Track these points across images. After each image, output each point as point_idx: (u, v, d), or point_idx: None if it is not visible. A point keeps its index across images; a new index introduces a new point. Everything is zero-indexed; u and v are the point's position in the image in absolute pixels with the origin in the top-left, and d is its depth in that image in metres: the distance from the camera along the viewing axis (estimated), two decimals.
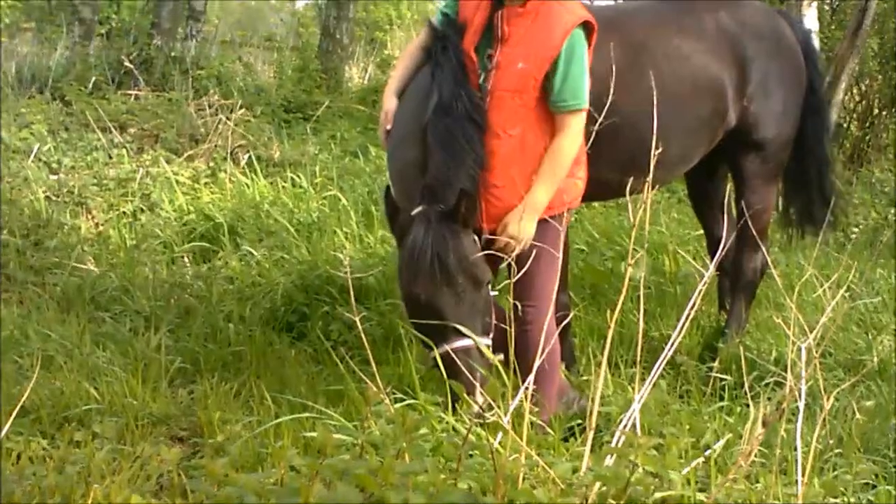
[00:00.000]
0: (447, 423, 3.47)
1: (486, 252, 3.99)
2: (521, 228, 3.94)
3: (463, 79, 3.99)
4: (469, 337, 3.89)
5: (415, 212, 3.99)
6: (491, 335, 4.00)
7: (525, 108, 3.96)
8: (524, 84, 3.93)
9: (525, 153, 3.98)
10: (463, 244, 3.92)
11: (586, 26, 3.99)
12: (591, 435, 2.76)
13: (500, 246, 3.96)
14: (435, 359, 3.87)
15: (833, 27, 12.73)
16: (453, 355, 3.86)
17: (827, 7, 13.37)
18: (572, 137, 3.98)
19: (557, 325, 4.16)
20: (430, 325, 3.94)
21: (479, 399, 3.64)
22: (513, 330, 3.51)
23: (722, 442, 3.67)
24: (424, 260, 3.92)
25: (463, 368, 3.84)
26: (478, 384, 3.74)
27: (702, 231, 6.24)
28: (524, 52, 3.92)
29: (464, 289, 3.92)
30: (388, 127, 4.23)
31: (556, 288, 3.80)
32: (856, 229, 8.54)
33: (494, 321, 4.05)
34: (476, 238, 4.04)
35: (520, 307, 3.91)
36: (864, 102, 12.12)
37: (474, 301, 3.96)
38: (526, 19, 3.92)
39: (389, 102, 4.25)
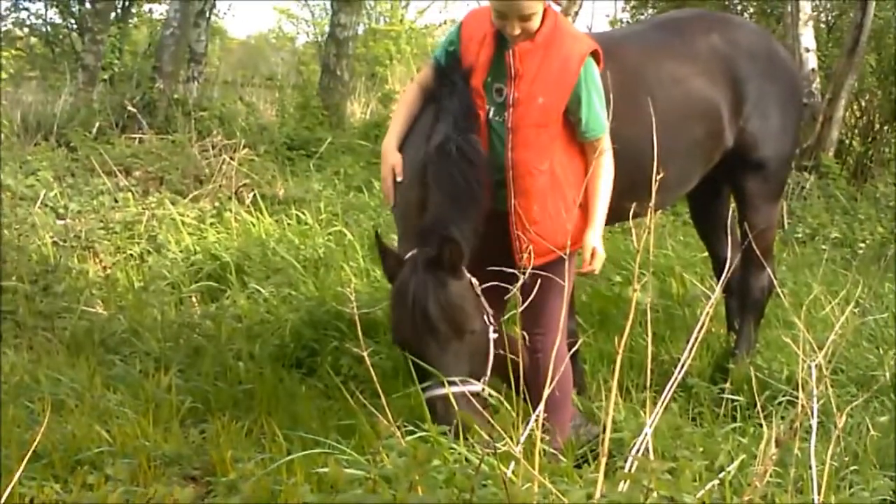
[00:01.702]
0: (459, 454, 3.46)
1: (492, 283, 3.98)
2: (603, 248, 4.10)
3: (465, 123, 3.99)
4: (454, 384, 3.85)
5: (409, 255, 4.00)
6: (485, 379, 3.97)
7: (551, 141, 3.99)
8: (547, 118, 3.96)
9: (556, 186, 4.02)
10: (448, 292, 3.87)
11: (594, 54, 4.02)
12: (604, 461, 2.75)
13: (591, 268, 4.07)
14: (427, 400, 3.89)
15: (830, 45, 12.80)
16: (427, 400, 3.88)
17: (823, 25, 13.43)
18: (608, 155, 4.09)
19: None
20: (417, 369, 3.97)
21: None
22: (521, 359, 3.51)
23: (736, 463, 3.65)
24: (406, 306, 3.93)
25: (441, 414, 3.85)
26: (451, 433, 3.71)
27: (707, 253, 6.23)
28: (542, 87, 3.93)
29: (446, 337, 3.88)
30: (399, 179, 4.14)
31: (563, 316, 3.80)
32: (862, 245, 8.53)
33: (503, 351, 4.05)
34: (474, 282, 4.01)
35: (528, 337, 3.92)
36: (864, 118, 12.16)
37: (458, 349, 3.90)
38: (537, 53, 3.94)
39: (394, 156, 4.16)
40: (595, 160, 4.07)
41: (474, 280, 4.03)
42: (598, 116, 4.02)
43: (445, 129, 3.99)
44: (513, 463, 2.91)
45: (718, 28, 5.27)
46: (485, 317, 4.06)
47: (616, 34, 6.20)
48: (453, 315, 3.88)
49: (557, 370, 3.84)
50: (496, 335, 4.08)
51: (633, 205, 4.33)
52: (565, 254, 3.97)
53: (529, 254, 3.90)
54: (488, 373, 4.02)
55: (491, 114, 4.03)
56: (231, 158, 9.56)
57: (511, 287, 3.92)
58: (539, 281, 3.76)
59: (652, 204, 3.08)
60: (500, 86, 4.00)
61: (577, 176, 4.13)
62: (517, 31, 3.89)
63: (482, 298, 4.05)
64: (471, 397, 3.82)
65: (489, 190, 4.07)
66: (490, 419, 3.59)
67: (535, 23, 3.90)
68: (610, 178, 4.11)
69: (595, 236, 4.07)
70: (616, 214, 4.31)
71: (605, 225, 4.40)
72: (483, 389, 3.94)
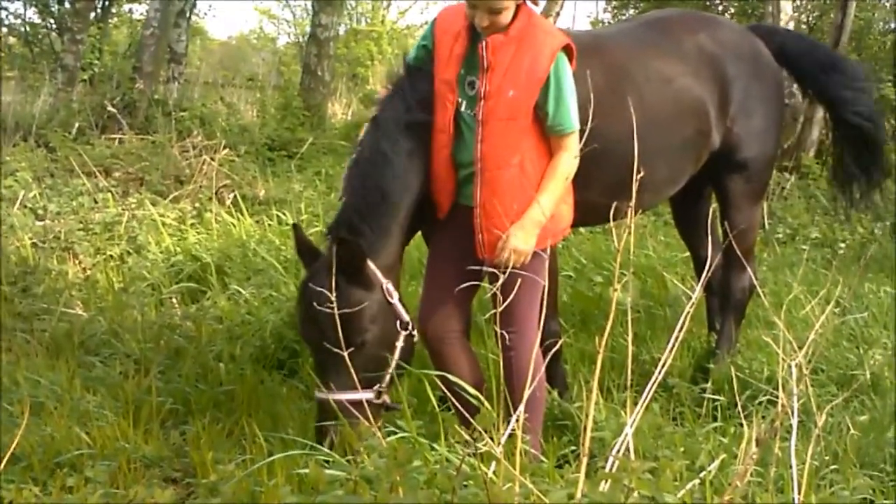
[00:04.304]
0: (440, 454, 3.46)
1: (472, 282, 3.99)
2: (523, 241, 3.91)
3: (410, 115, 4.06)
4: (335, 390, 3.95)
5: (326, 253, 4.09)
6: (380, 387, 4.01)
7: (521, 134, 3.96)
8: (517, 111, 3.93)
9: (525, 181, 3.97)
10: (343, 300, 3.81)
11: (566, 49, 4.01)
12: (584, 461, 2.75)
13: (501, 260, 3.87)
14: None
15: None
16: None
17: (804, 26, 13.49)
18: (570, 156, 4.00)
19: (547, 352, 4.15)
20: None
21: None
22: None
23: (717, 463, 3.66)
24: (303, 306, 4.05)
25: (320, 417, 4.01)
26: (329, 438, 3.89)
27: (689, 253, 6.25)
28: (513, 80, 3.91)
29: (336, 343, 3.79)
30: None
31: (538, 314, 3.79)
32: (842, 244, 8.58)
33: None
34: (388, 289, 4.07)
35: (502, 335, 3.91)
36: None
37: (350, 355, 3.75)
38: (509, 47, 3.93)
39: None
40: (555, 156, 4.02)
41: (390, 286, 4.08)
42: (566, 112, 3.97)
43: (380, 132, 4.09)
44: (494, 463, 2.91)
45: (705, 28, 5.28)
46: (397, 324, 4.11)
47: (603, 33, 6.20)
48: (344, 323, 3.77)
49: (538, 369, 3.85)
50: (403, 344, 4.12)
51: (623, 204, 4.31)
52: (541, 250, 3.97)
53: (492, 247, 3.94)
54: (386, 381, 4.06)
55: (463, 107, 4.02)
56: (211, 159, 9.53)
57: (480, 284, 3.93)
58: (509, 278, 3.74)
59: (633, 203, 3.06)
60: (472, 79, 3.99)
61: None
62: (486, 23, 3.89)
63: (398, 306, 4.11)
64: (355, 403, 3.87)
65: (446, 192, 4.12)
66: (374, 426, 3.67)
67: (505, 17, 3.89)
68: (563, 179, 4.02)
69: (518, 229, 3.93)
70: (604, 214, 4.29)
71: (593, 225, 4.37)
72: (378, 396, 4.00)
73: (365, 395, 3.96)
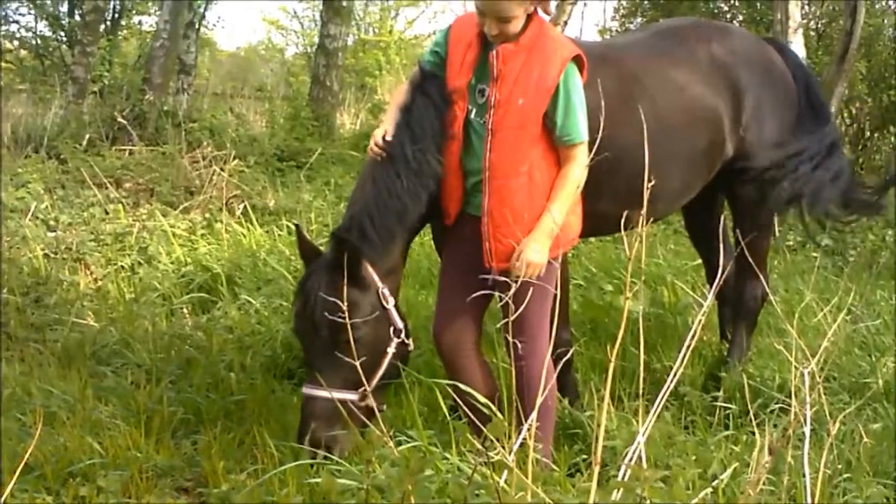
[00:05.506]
0: (452, 463, 3.46)
1: (484, 291, 3.99)
2: (538, 253, 3.90)
3: (429, 135, 4.04)
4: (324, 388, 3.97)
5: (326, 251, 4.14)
6: (365, 391, 3.95)
7: (530, 144, 3.95)
8: (526, 119, 3.93)
9: (534, 190, 3.97)
10: (342, 298, 3.75)
11: (577, 60, 4.01)
12: (597, 470, 2.75)
13: (519, 273, 3.85)
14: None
15: (820, 52, 12.84)
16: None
17: (813, 33, 13.48)
18: (579, 167, 3.99)
19: (558, 360, 4.14)
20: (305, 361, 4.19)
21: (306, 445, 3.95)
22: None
23: (729, 471, 3.65)
24: (300, 301, 4.10)
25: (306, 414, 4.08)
26: (309, 434, 4.00)
27: (699, 261, 6.23)
28: (523, 89, 3.92)
29: (326, 340, 3.95)
30: (389, 138, 4.13)
31: (549, 323, 3.77)
32: (853, 252, 8.55)
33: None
34: (384, 293, 4.10)
35: (513, 344, 3.91)
36: (855, 126, 12.19)
37: (340, 353, 3.85)
38: (520, 56, 3.93)
39: (382, 129, 4.20)
40: (564, 166, 4.01)
41: (385, 291, 4.11)
42: (575, 122, 3.97)
43: (405, 139, 4.06)
44: (505, 472, 2.91)
45: (717, 36, 5.27)
46: (390, 330, 4.14)
47: (615, 42, 6.19)
48: (334, 321, 3.79)
49: (550, 378, 3.84)
50: (394, 350, 4.15)
51: (635, 213, 4.28)
52: (552, 259, 3.97)
53: (500, 255, 3.95)
54: (373, 383, 4.06)
55: (472, 114, 4.02)
56: (221, 170, 9.56)
57: (493, 294, 3.93)
58: (520, 287, 3.73)
59: (644, 212, 3.05)
60: (483, 87, 3.99)
61: None
62: (495, 32, 3.89)
63: (393, 312, 4.14)
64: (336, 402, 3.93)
65: (454, 200, 4.12)
66: (359, 427, 3.77)
67: (514, 26, 3.89)
68: (573, 190, 4.00)
69: (532, 241, 3.92)
70: (616, 223, 4.27)
71: (606, 234, 4.35)
72: (363, 399, 3.98)
73: (348, 396, 3.98)
